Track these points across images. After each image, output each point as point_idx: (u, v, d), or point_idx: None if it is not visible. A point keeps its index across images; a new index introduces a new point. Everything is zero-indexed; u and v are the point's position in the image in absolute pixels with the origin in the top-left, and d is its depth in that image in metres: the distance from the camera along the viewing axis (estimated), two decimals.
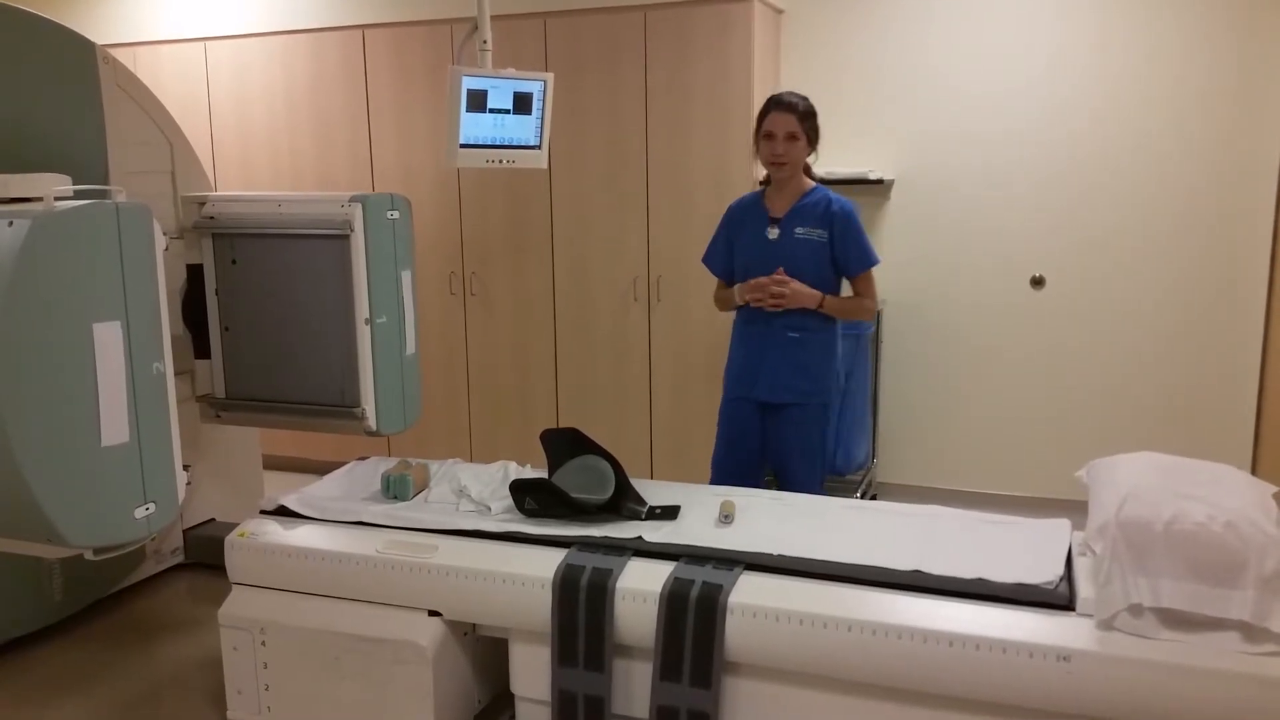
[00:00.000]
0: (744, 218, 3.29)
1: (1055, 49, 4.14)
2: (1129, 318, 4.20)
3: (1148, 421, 4.22)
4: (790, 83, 4.51)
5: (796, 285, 3.09)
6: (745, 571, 2.34)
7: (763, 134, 3.16)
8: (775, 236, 3.17)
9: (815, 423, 3.21)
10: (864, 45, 4.40)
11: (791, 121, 3.10)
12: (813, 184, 3.23)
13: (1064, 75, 4.14)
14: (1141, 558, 2.04)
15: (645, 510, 2.67)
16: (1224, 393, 4.12)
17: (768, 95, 4.36)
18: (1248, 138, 3.95)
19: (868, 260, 3.18)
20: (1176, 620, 2.01)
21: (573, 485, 2.73)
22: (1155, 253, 4.13)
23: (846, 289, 3.28)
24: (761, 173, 3.31)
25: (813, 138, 3.16)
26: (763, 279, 3.11)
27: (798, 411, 3.20)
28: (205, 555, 3.88)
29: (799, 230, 3.16)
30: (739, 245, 3.27)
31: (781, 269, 3.10)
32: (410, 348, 3.44)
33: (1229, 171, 3.99)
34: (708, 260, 3.41)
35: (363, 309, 3.33)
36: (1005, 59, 4.21)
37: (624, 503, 2.67)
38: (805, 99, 3.16)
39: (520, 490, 2.67)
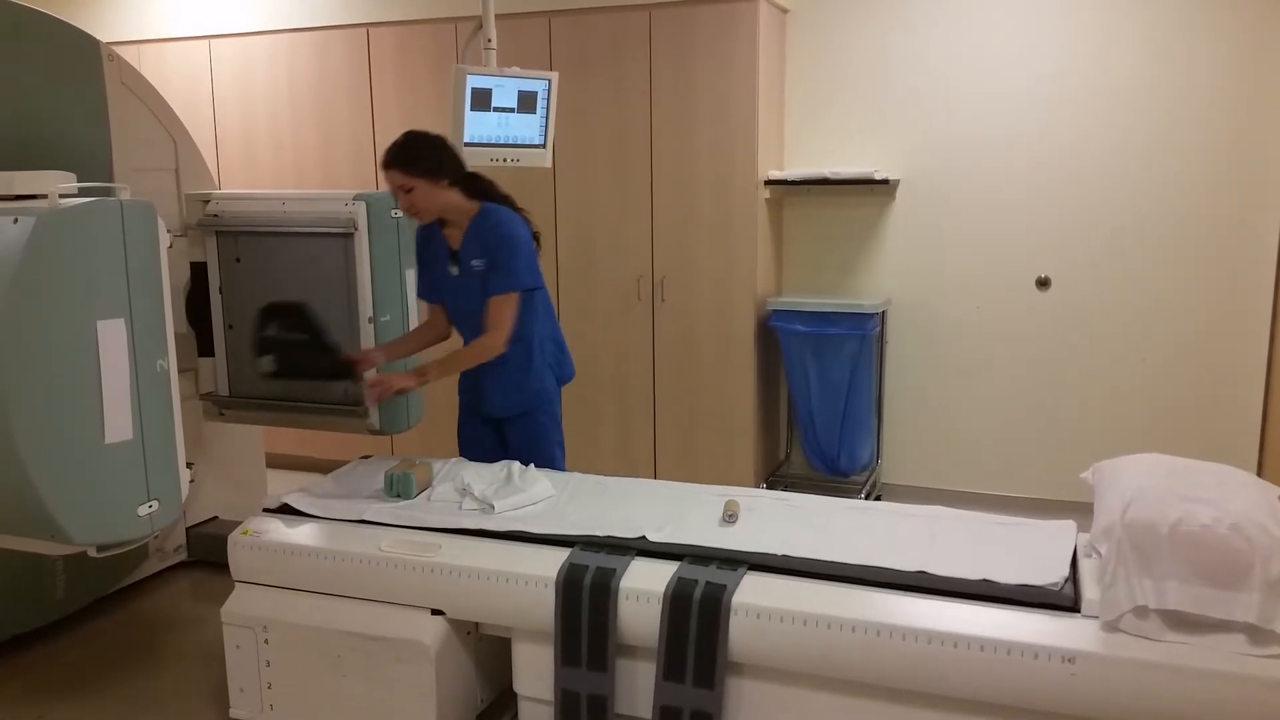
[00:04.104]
0: (431, 251, 3.13)
1: (1061, 48, 4.13)
2: (1135, 319, 4.19)
3: (1153, 423, 4.21)
4: (794, 81, 4.51)
5: (386, 380, 2.99)
6: (749, 572, 2.33)
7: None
8: (456, 273, 3.05)
9: (541, 426, 3.19)
10: (869, 44, 4.40)
11: (396, 177, 2.91)
12: (478, 205, 3.02)
13: (1070, 75, 4.13)
14: (1147, 560, 2.03)
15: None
16: (1230, 394, 4.11)
17: (772, 95, 4.37)
18: (1254, 139, 3.94)
19: (506, 284, 2.95)
20: (1182, 622, 2.01)
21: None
22: (1161, 254, 4.12)
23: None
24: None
25: (432, 171, 2.92)
26: (369, 389, 3.04)
27: (524, 419, 3.19)
28: (208, 553, 3.88)
29: (474, 263, 3.01)
30: (434, 280, 3.15)
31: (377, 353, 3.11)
32: None
33: (1236, 173, 3.98)
34: (421, 296, 3.23)
35: (366, 307, 3.33)
36: (1011, 58, 4.21)
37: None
38: (398, 145, 2.92)
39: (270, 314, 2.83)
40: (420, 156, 2.92)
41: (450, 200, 2.99)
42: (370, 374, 3.08)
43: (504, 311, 2.96)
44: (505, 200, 3.09)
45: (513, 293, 2.96)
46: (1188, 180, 4.05)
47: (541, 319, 3.15)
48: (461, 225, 3.03)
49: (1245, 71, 3.92)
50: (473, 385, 3.22)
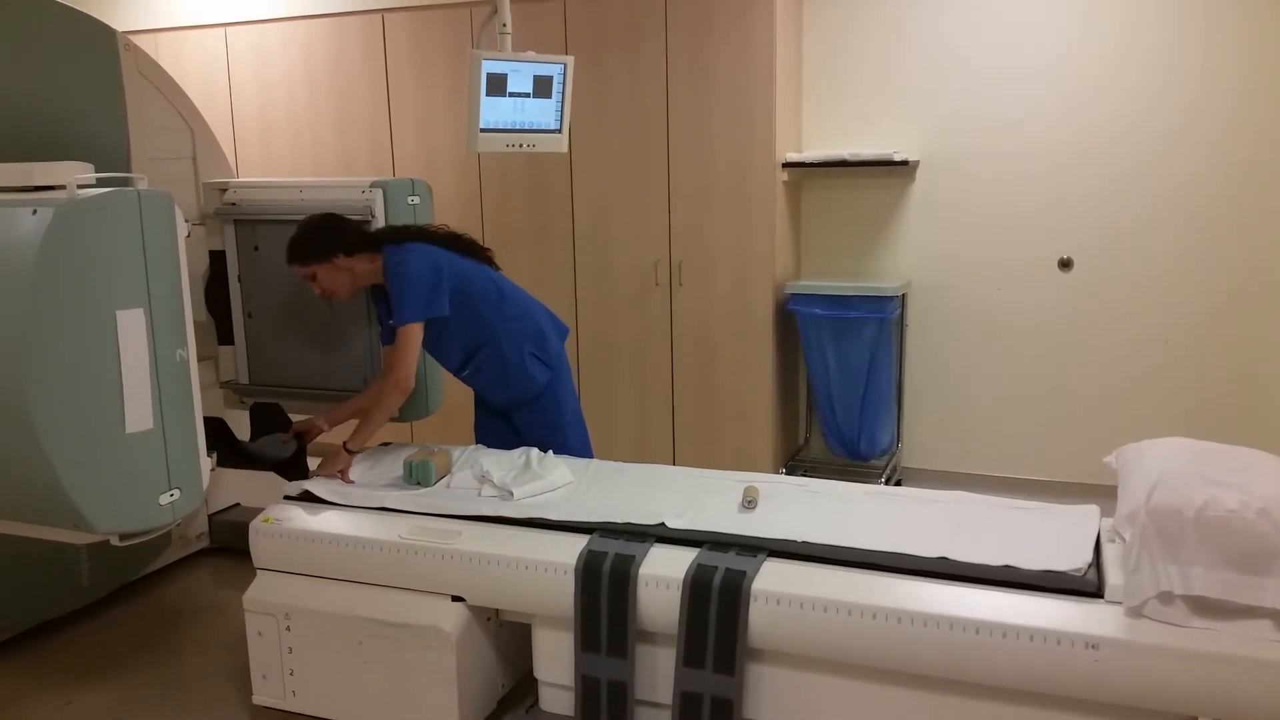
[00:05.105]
0: (379, 309, 3.16)
1: (1082, 26, 4.07)
2: (1158, 300, 4.14)
3: (1177, 406, 4.17)
4: (812, 62, 4.47)
5: (335, 468, 2.93)
6: (768, 558, 2.32)
7: None
8: (393, 324, 3.01)
9: (547, 411, 3.22)
10: (888, 25, 4.35)
11: (297, 271, 3.01)
12: (379, 257, 3.02)
13: (1091, 54, 4.07)
14: (1172, 545, 2.01)
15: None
16: (1254, 376, 4.06)
17: (790, 77, 4.34)
18: (1279, 117, 3.88)
19: (397, 318, 2.94)
20: (1207, 608, 1.99)
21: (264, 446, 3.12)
22: (1186, 234, 4.07)
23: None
24: None
25: (321, 254, 2.97)
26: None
27: (528, 408, 3.21)
28: (230, 540, 3.91)
29: None
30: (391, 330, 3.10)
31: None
32: None
33: (1260, 152, 3.92)
34: (384, 343, 3.18)
35: None
36: (1032, 38, 4.15)
37: (296, 468, 3.03)
38: (289, 242, 3.00)
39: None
40: (303, 246, 2.99)
41: (356, 269, 3.02)
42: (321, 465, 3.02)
43: (400, 347, 2.94)
44: (418, 235, 3.08)
45: (406, 326, 2.94)
46: (1212, 159, 3.99)
47: (505, 320, 3.13)
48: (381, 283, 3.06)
49: (1269, 48, 3.85)
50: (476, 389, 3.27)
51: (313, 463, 3.11)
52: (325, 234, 3.00)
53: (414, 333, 2.95)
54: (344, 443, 2.97)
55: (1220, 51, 3.91)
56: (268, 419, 3.24)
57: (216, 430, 2.90)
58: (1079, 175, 4.18)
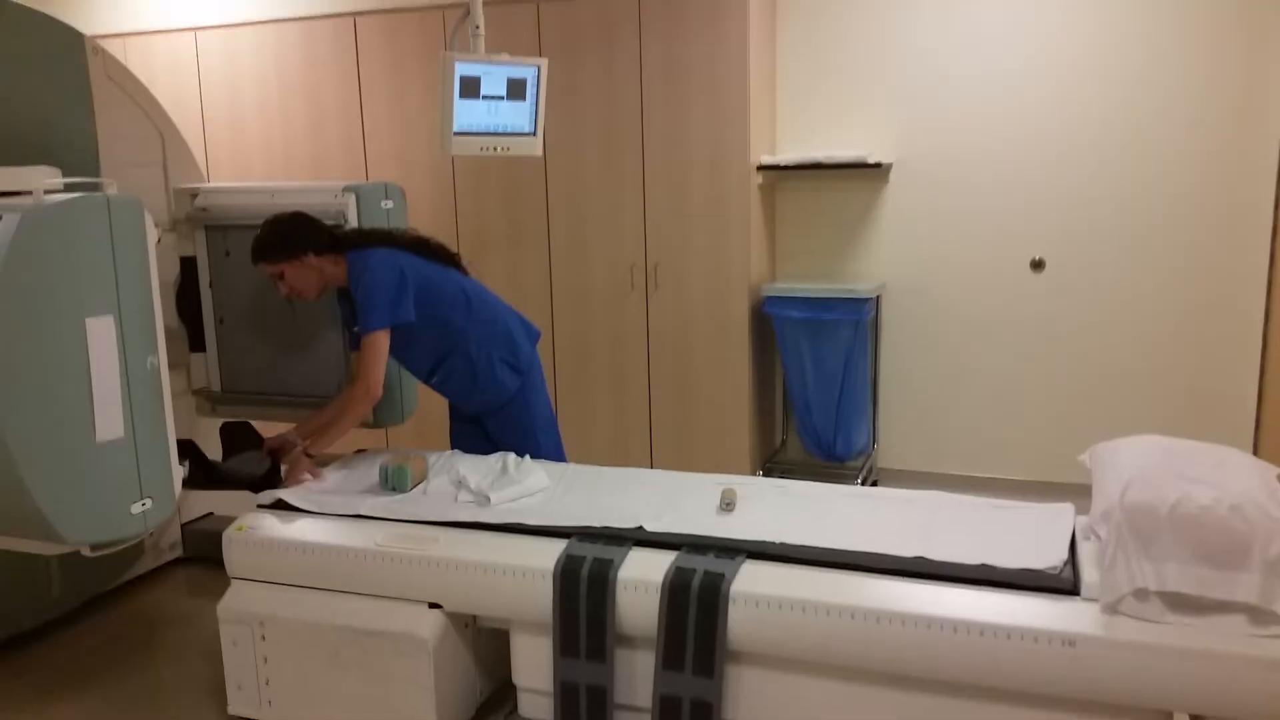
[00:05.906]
0: (344, 313, 3.15)
1: (1055, 29, 4.11)
2: (1130, 300, 4.18)
3: (1149, 404, 4.21)
4: (786, 65, 4.49)
5: (294, 476, 2.93)
6: (747, 560, 2.33)
7: None
8: (358, 331, 2.98)
9: (514, 416, 3.21)
10: (861, 26, 4.37)
11: (264, 269, 2.98)
12: (345, 261, 2.99)
13: (1064, 56, 4.11)
14: (1146, 542, 2.03)
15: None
16: (1225, 374, 4.10)
17: (764, 79, 4.35)
18: (1249, 119, 3.92)
19: (363, 325, 2.90)
20: (1182, 604, 2.00)
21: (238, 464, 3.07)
22: (1156, 234, 4.11)
23: None
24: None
25: (288, 252, 2.94)
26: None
27: (498, 414, 3.21)
28: (204, 550, 3.86)
29: None
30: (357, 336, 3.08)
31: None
32: None
33: (1230, 153, 3.97)
34: (352, 348, 3.19)
35: None
36: (1004, 40, 4.18)
37: (270, 486, 2.92)
38: (255, 240, 2.97)
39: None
40: (273, 243, 2.96)
41: (323, 269, 2.99)
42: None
43: (365, 356, 2.91)
44: (383, 239, 3.05)
45: (371, 333, 2.90)
46: (1182, 160, 4.03)
47: (473, 325, 3.11)
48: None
49: (1240, 51, 3.89)
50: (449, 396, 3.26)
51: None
52: (295, 231, 2.98)
53: (380, 340, 2.92)
54: (304, 447, 2.94)
55: (1191, 55, 3.96)
56: (239, 438, 3.20)
57: (187, 452, 2.86)
58: (1051, 177, 4.21)
